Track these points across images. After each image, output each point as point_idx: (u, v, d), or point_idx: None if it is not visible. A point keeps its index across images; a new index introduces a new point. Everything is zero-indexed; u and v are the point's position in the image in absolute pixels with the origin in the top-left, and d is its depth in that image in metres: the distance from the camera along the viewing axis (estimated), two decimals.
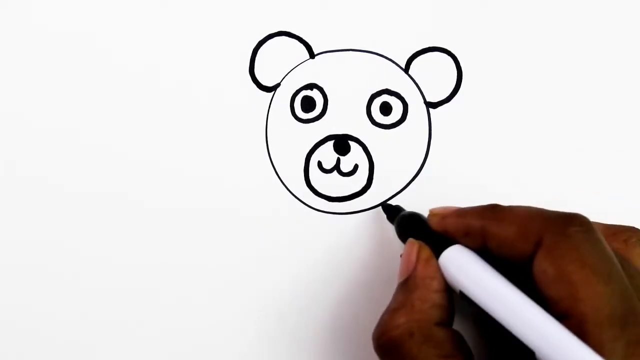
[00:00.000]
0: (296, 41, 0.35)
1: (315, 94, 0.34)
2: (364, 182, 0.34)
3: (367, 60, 0.34)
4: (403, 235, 0.30)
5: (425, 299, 0.26)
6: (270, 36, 0.35)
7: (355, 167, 0.34)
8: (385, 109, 0.34)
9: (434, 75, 0.34)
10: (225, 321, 0.33)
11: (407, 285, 0.27)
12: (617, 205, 0.33)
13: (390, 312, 0.27)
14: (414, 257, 0.28)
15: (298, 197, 0.34)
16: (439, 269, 0.27)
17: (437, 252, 0.27)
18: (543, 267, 0.24)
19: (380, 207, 0.34)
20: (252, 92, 0.35)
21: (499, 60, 0.34)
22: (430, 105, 0.34)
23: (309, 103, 0.34)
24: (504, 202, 0.33)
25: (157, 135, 0.35)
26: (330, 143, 0.34)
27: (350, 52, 0.34)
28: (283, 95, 0.35)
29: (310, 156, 0.34)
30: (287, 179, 0.34)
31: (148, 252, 0.34)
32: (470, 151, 0.34)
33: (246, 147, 0.34)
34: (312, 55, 0.35)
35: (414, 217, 0.30)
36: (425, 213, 0.33)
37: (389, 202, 0.33)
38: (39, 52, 0.35)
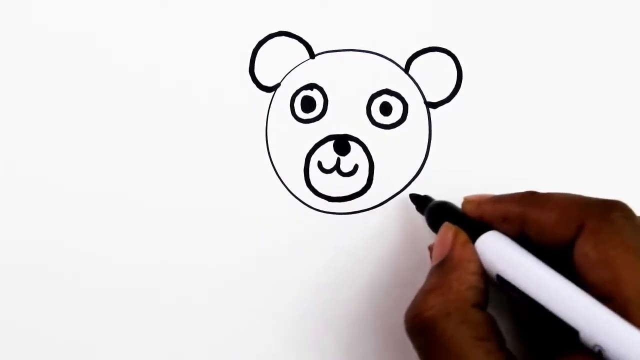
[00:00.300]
0: (296, 41, 0.35)
1: (315, 94, 0.34)
2: (364, 182, 0.34)
3: (367, 60, 0.34)
4: (434, 223, 0.30)
5: (463, 280, 0.26)
6: (271, 36, 0.35)
7: (356, 167, 0.34)
8: (386, 109, 0.34)
9: (434, 75, 0.34)
10: (225, 321, 0.33)
11: (443, 267, 0.27)
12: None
13: (425, 292, 0.27)
14: (450, 240, 0.28)
15: (298, 197, 0.34)
16: (475, 252, 0.27)
17: (473, 238, 0.27)
18: (585, 251, 0.24)
19: (380, 207, 0.34)
20: (252, 92, 0.35)
21: (499, 60, 0.34)
22: (430, 105, 0.34)
23: (309, 103, 0.34)
24: None
25: (157, 135, 0.35)
26: (331, 143, 0.34)
27: (350, 52, 0.34)
28: (283, 95, 0.35)
29: (311, 156, 0.34)
30: (287, 179, 0.34)
31: (147, 252, 0.34)
32: (470, 151, 0.34)
33: (246, 147, 0.34)
34: (312, 55, 0.35)
35: (446, 205, 0.30)
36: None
37: (415, 193, 0.33)
38: (39, 52, 0.35)
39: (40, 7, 0.35)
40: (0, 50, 0.35)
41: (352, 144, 0.34)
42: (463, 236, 0.28)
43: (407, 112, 0.34)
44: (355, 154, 0.34)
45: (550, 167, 0.34)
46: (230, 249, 0.34)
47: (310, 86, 0.34)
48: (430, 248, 0.29)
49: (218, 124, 0.34)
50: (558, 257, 0.26)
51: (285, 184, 0.34)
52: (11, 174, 0.35)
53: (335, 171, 0.34)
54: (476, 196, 0.29)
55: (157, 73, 0.35)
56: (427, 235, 0.33)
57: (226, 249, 0.34)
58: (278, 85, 0.35)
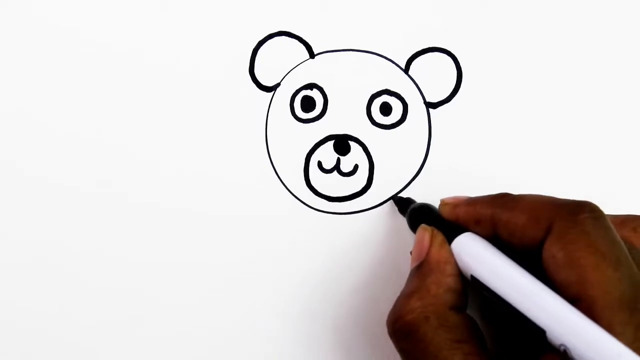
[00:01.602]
0: (296, 41, 0.35)
1: (315, 94, 0.34)
2: (364, 182, 0.34)
3: (367, 61, 0.34)
4: (415, 226, 0.30)
5: (440, 282, 0.27)
6: (270, 36, 0.35)
7: (355, 167, 0.34)
8: (385, 109, 0.34)
9: (434, 75, 0.34)
10: (225, 320, 0.33)
11: (421, 269, 0.28)
12: (617, 206, 0.33)
13: (405, 296, 0.27)
14: (427, 242, 0.28)
15: (298, 197, 0.34)
16: (452, 254, 0.27)
17: (450, 239, 0.27)
18: (553, 252, 0.24)
19: (379, 207, 0.34)
20: (252, 92, 0.35)
21: (499, 61, 0.34)
22: (430, 105, 0.34)
23: (309, 103, 0.34)
24: None
25: (157, 135, 0.35)
26: (330, 143, 0.34)
27: (350, 52, 0.34)
28: (283, 95, 0.35)
29: (311, 156, 0.34)
30: (287, 179, 0.34)
31: (147, 252, 0.34)
32: (470, 151, 0.34)
33: (246, 147, 0.34)
34: (312, 55, 0.35)
35: (425, 207, 0.31)
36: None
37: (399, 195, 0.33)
38: (39, 51, 0.35)
39: (40, 4, 0.35)
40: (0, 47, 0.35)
41: (352, 144, 0.34)
42: (439, 238, 0.28)
43: (407, 112, 0.34)
44: (355, 154, 0.34)
45: (550, 167, 0.34)
46: (230, 249, 0.34)
47: (310, 86, 0.34)
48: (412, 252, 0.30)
49: (218, 124, 0.34)
50: (530, 258, 0.26)
51: (285, 184, 0.34)
52: (11, 174, 0.35)
53: (335, 171, 0.34)
54: (452, 198, 0.29)
55: (157, 73, 0.35)
56: None
57: (226, 248, 0.34)
58: (278, 85, 0.35)
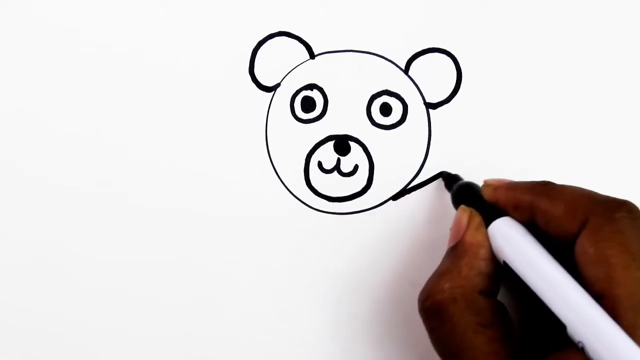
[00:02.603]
0: (296, 41, 0.35)
1: (315, 94, 0.34)
2: (364, 183, 0.34)
3: (367, 61, 0.34)
4: (457, 204, 0.30)
5: (472, 265, 0.27)
6: (270, 36, 0.35)
7: (356, 167, 0.34)
8: (385, 109, 0.34)
9: (434, 76, 0.34)
10: (224, 320, 0.34)
11: (455, 250, 0.28)
12: None
13: (437, 275, 0.28)
14: (464, 224, 0.28)
15: (298, 197, 0.34)
16: (487, 238, 0.27)
17: (488, 222, 0.28)
18: (585, 247, 0.25)
19: (379, 207, 0.34)
20: (252, 92, 0.35)
21: (499, 61, 0.34)
22: (430, 106, 0.34)
23: (309, 103, 0.34)
24: None
25: (157, 135, 0.35)
26: (331, 143, 0.34)
27: (350, 52, 0.34)
28: (283, 96, 0.35)
29: (311, 156, 0.34)
30: (287, 179, 0.34)
31: (147, 252, 0.34)
32: (470, 152, 0.34)
33: (246, 147, 0.34)
34: (312, 55, 0.35)
35: (470, 186, 0.30)
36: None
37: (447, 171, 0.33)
38: (38, 52, 0.35)
39: (40, 4, 0.35)
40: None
41: (352, 144, 0.34)
42: (476, 220, 0.28)
43: (407, 113, 0.34)
44: (356, 154, 0.34)
45: (550, 166, 0.34)
46: (230, 249, 0.34)
47: (310, 86, 0.35)
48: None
49: (218, 124, 0.34)
50: (563, 249, 0.26)
51: (285, 184, 0.34)
52: (11, 174, 0.35)
53: (336, 171, 0.34)
54: (495, 180, 0.29)
55: (157, 73, 0.35)
56: (426, 236, 0.33)
57: (226, 248, 0.34)
58: (278, 85, 0.35)
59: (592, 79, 0.34)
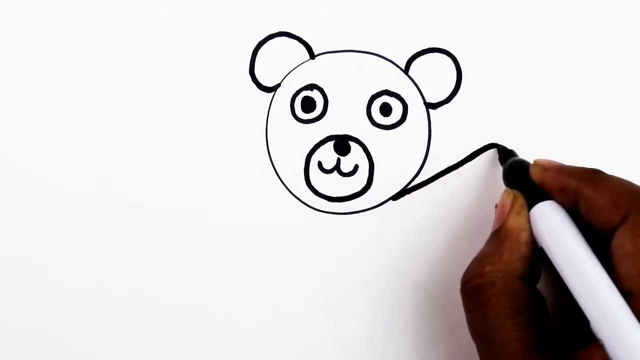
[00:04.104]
0: (296, 42, 0.35)
1: (315, 94, 0.35)
2: (364, 183, 0.34)
3: (367, 61, 0.34)
4: (506, 180, 0.30)
5: (513, 250, 0.27)
6: (271, 36, 0.35)
7: (356, 167, 0.34)
8: (385, 109, 0.34)
9: (434, 76, 0.34)
10: (225, 321, 0.34)
11: (498, 234, 0.28)
12: None
13: (479, 259, 0.28)
14: (507, 207, 0.28)
15: (298, 197, 0.34)
16: (529, 222, 0.27)
17: (532, 204, 0.27)
18: (622, 241, 0.24)
19: (379, 207, 0.34)
20: (252, 92, 0.35)
21: (499, 61, 0.34)
22: (430, 106, 0.34)
23: (309, 103, 0.34)
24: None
25: (157, 135, 0.35)
26: (331, 143, 0.34)
27: (350, 52, 0.35)
28: (283, 96, 0.35)
29: (311, 156, 0.34)
30: (287, 179, 0.34)
31: (147, 252, 0.34)
32: (470, 152, 0.34)
33: (246, 147, 0.34)
34: (312, 55, 0.35)
35: (521, 164, 0.30)
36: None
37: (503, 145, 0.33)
38: (39, 52, 0.35)
39: (40, 4, 0.35)
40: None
41: (352, 144, 0.34)
42: (519, 203, 0.28)
43: (407, 113, 0.34)
44: (356, 154, 0.34)
45: None
46: (230, 249, 0.34)
47: (311, 87, 0.35)
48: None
49: (218, 124, 0.34)
50: (602, 240, 0.26)
51: (285, 184, 0.34)
52: (11, 174, 0.35)
53: (336, 171, 0.34)
54: (545, 161, 0.29)
55: (157, 73, 0.35)
56: (427, 236, 0.33)
57: (226, 248, 0.34)
58: (278, 85, 0.35)
59: (593, 77, 0.34)
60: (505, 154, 0.32)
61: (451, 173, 0.34)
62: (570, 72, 0.34)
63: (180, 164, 0.34)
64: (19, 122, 0.35)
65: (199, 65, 0.35)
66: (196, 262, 0.34)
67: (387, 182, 0.34)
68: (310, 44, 0.35)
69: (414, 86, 0.34)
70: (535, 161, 0.29)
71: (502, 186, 0.31)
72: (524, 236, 0.27)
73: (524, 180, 0.29)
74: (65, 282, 0.34)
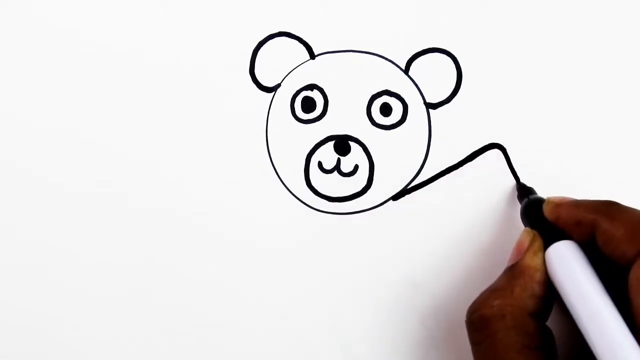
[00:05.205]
0: (296, 42, 0.35)
1: (315, 94, 0.35)
2: (364, 183, 0.34)
3: (367, 61, 0.34)
4: (523, 218, 0.31)
5: (526, 286, 0.27)
6: (271, 37, 0.35)
7: (356, 167, 0.34)
8: (386, 109, 0.34)
9: (434, 76, 0.34)
10: (225, 321, 0.34)
11: (512, 270, 0.28)
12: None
13: (489, 291, 0.28)
14: (525, 245, 0.28)
15: (298, 197, 0.34)
16: (544, 262, 0.27)
17: (548, 243, 0.28)
18: (638, 274, 0.24)
19: (379, 207, 0.34)
20: (253, 92, 0.35)
21: (499, 61, 0.34)
22: (430, 106, 0.34)
23: (309, 103, 0.34)
24: (501, 201, 0.33)
25: (157, 136, 0.35)
26: (331, 143, 0.34)
27: (351, 53, 0.35)
28: (283, 96, 0.35)
29: (311, 156, 0.34)
30: (287, 179, 0.34)
31: (146, 252, 0.34)
32: (470, 152, 0.34)
33: (246, 148, 0.34)
34: (312, 56, 0.35)
35: (538, 203, 0.30)
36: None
37: (522, 182, 0.33)
38: (38, 52, 0.35)
39: (40, 4, 0.35)
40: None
41: (352, 144, 0.34)
42: (537, 244, 0.28)
43: (407, 113, 0.34)
44: (356, 154, 0.34)
45: (549, 167, 0.34)
46: (230, 249, 0.34)
47: (311, 87, 0.35)
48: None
49: (218, 125, 0.34)
50: (619, 272, 0.26)
51: (285, 184, 0.34)
52: (11, 174, 0.35)
53: (336, 171, 0.34)
54: (558, 198, 0.29)
55: (157, 73, 0.35)
56: (427, 237, 0.33)
57: (226, 248, 0.34)
58: (278, 85, 0.35)
59: (593, 77, 0.34)
60: (523, 191, 0.32)
61: (451, 173, 0.34)
62: (570, 72, 0.34)
63: (180, 164, 0.34)
64: (19, 122, 0.35)
65: (199, 65, 0.35)
66: (196, 262, 0.34)
67: (387, 182, 0.34)
68: (310, 44, 0.35)
69: (414, 86, 0.34)
70: (547, 199, 0.30)
71: (502, 187, 0.32)
72: (539, 276, 0.27)
73: (538, 218, 0.29)
74: (65, 282, 0.34)
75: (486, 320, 0.27)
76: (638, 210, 0.26)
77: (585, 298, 0.25)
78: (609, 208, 0.27)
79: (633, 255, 0.25)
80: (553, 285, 0.27)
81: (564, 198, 0.29)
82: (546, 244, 0.28)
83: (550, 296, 0.27)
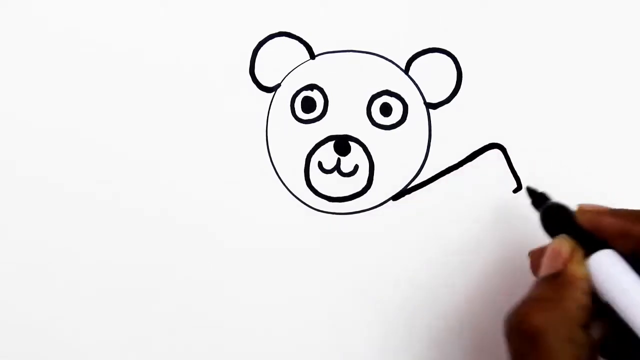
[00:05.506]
0: (296, 42, 0.35)
1: (315, 94, 0.35)
2: (364, 183, 0.34)
3: (368, 61, 0.34)
4: (548, 226, 0.29)
5: (576, 298, 0.26)
6: (271, 37, 0.35)
7: (356, 167, 0.34)
8: (386, 109, 0.34)
9: (434, 76, 0.34)
10: (225, 321, 0.34)
11: (556, 280, 0.27)
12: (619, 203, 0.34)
13: (535, 301, 0.27)
14: (566, 254, 0.27)
15: (298, 197, 0.34)
16: (589, 272, 0.27)
17: (586, 251, 0.27)
18: None
19: (379, 207, 0.34)
20: (253, 92, 0.35)
21: (499, 61, 0.34)
22: (430, 106, 0.34)
23: (309, 104, 0.34)
24: (501, 202, 0.33)
25: (157, 136, 0.35)
26: (331, 143, 0.34)
27: (351, 53, 0.35)
28: (283, 96, 0.35)
29: (311, 156, 0.34)
30: (287, 179, 0.34)
31: (146, 252, 0.34)
32: (470, 152, 0.34)
33: (246, 148, 0.34)
34: (312, 56, 0.35)
35: (563, 209, 0.29)
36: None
37: (532, 187, 0.31)
38: (39, 52, 0.35)
39: (40, 4, 0.35)
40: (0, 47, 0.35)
41: (352, 144, 0.34)
42: (579, 253, 0.27)
43: (407, 113, 0.34)
44: (356, 154, 0.34)
45: (549, 167, 0.34)
46: (229, 249, 0.34)
47: (311, 87, 0.35)
48: (532, 254, 0.29)
49: (218, 125, 0.34)
50: None
51: (286, 184, 0.34)
52: (11, 174, 0.35)
53: (336, 171, 0.34)
54: (592, 206, 0.28)
55: (157, 73, 0.35)
56: (426, 237, 0.33)
57: (226, 248, 0.34)
58: (278, 85, 0.35)
59: (593, 77, 0.34)
60: (538, 198, 0.31)
61: (451, 173, 0.34)
62: (570, 72, 0.34)
63: (180, 164, 0.34)
64: (19, 122, 0.35)
65: (199, 65, 0.35)
66: (196, 262, 0.34)
67: (387, 182, 0.34)
68: (310, 44, 0.35)
69: (414, 86, 0.34)
70: (581, 207, 0.29)
71: (502, 187, 0.32)
72: (586, 286, 0.26)
73: (569, 225, 0.28)
74: (65, 282, 0.34)
75: (537, 331, 0.26)
76: None
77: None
78: None
79: None
80: (596, 295, 0.27)
81: (598, 206, 0.28)
82: (586, 252, 0.27)
83: (594, 306, 0.27)
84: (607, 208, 0.28)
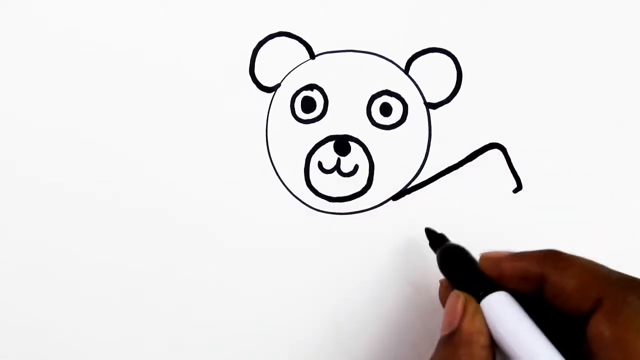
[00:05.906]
0: (296, 42, 0.35)
1: (315, 94, 0.35)
2: (364, 183, 0.34)
3: (367, 61, 0.34)
4: (445, 268, 0.29)
5: (473, 355, 0.26)
6: (271, 36, 0.35)
7: (356, 167, 0.34)
8: (386, 109, 0.34)
9: (434, 76, 0.34)
10: (224, 320, 0.34)
11: (452, 339, 0.26)
12: (619, 204, 0.33)
13: None
14: (459, 311, 0.27)
15: (298, 197, 0.34)
16: (486, 324, 0.26)
17: (482, 296, 0.26)
18: (600, 329, 0.24)
19: (379, 207, 0.34)
20: (253, 92, 0.35)
21: (499, 61, 0.34)
22: (430, 105, 0.34)
23: (309, 103, 0.34)
24: (501, 202, 0.33)
25: (157, 136, 0.35)
26: (331, 143, 0.34)
27: (351, 52, 0.35)
28: (283, 96, 0.35)
29: (311, 156, 0.34)
30: (287, 179, 0.34)
31: (145, 252, 0.34)
32: (470, 152, 0.34)
33: (246, 148, 0.34)
34: (312, 55, 0.35)
35: (460, 251, 0.29)
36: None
37: (430, 227, 0.32)
38: (38, 52, 0.35)
39: (40, 4, 0.35)
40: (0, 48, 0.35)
41: (352, 144, 0.34)
42: (472, 306, 0.26)
43: (407, 113, 0.34)
44: (356, 154, 0.34)
45: (549, 167, 0.34)
46: (229, 249, 0.34)
47: (311, 87, 0.35)
48: (442, 282, 0.29)
49: (218, 125, 0.34)
50: (573, 324, 0.25)
51: (285, 184, 0.34)
52: (11, 174, 0.35)
53: (336, 171, 0.34)
54: (494, 253, 0.28)
55: (157, 73, 0.35)
56: (426, 236, 0.33)
57: (226, 248, 0.34)
58: (278, 85, 0.35)
59: (593, 77, 0.34)
60: (436, 239, 0.31)
61: (451, 173, 0.34)
62: (570, 72, 0.34)
63: (180, 164, 0.34)
64: (19, 122, 0.35)
65: (199, 65, 0.35)
66: (196, 262, 0.34)
67: (387, 182, 0.34)
68: (310, 44, 0.35)
69: (414, 86, 0.34)
70: (483, 255, 0.28)
71: (502, 187, 0.31)
72: (483, 340, 0.26)
73: (465, 268, 0.28)
74: (65, 281, 0.34)
75: None
76: (585, 260, 0.26)
77: (530, 348, 0.24)
78: (555, 259, 0.26)
79: (588, 309, 0.24)
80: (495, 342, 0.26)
81: (499, 252, 0.28)
82: (478, 296, 0.26)
83: (496, 353, 0.26)
84: (508, 253, 0.27)
